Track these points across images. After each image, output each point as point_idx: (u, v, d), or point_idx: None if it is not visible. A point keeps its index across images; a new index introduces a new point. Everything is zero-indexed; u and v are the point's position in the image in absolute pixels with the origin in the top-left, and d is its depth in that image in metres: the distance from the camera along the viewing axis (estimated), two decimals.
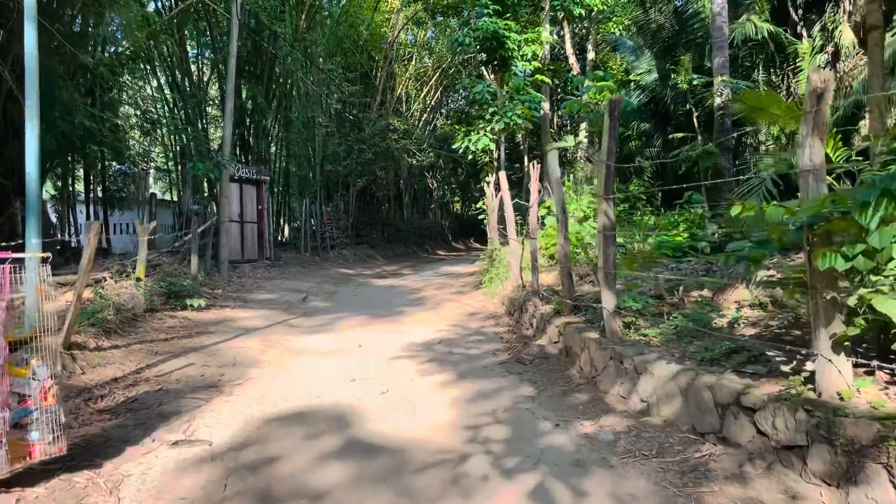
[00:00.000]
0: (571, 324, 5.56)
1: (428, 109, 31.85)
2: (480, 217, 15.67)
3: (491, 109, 13.69)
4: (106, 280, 9.24)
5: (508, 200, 9.20)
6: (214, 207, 14.52)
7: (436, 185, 36.25)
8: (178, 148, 17.72)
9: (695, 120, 12.68)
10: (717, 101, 12.27)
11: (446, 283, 13.58)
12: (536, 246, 7.62)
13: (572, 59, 24.16)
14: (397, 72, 28.71)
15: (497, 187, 14.39)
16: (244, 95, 19.19)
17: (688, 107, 12.93)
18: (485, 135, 13.82)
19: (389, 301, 11.40)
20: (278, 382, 5.48)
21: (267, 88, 19.77)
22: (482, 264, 15.82)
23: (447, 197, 41.89)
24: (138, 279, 7.68)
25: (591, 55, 24.56)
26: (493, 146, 14.01)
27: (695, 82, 12.25)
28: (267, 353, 6.77)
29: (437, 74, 30.25)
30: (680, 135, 12.87)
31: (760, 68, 14.71)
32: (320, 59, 20.46)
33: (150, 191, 14.96)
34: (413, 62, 29.78)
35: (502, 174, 9.28)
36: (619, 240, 9.77)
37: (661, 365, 3.81)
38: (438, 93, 32.12)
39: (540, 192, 7.83)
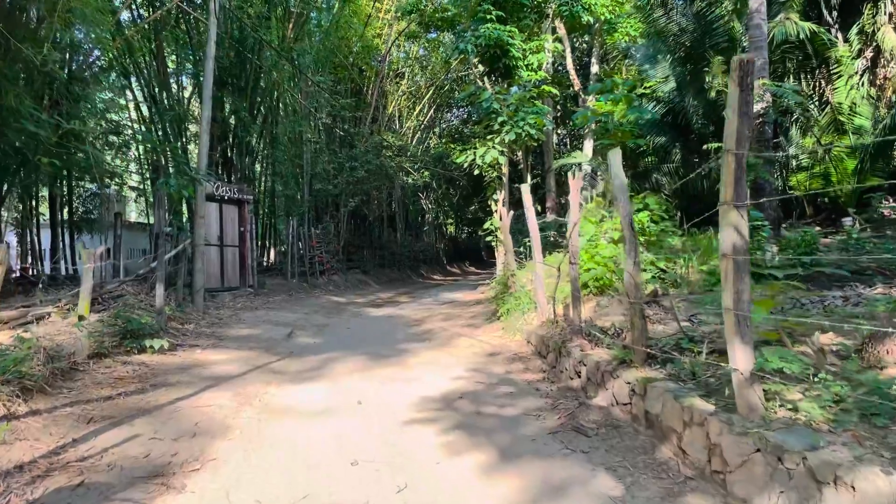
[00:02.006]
0: (653, 382, 4.07)
1: (421, 128, 30.59)
2: (488, 239, 14.22)
3: (500, 119, 12.31)
4: (50, 316, 7.67)
5: (533, 218, 7.75)
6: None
7: (430, 206, 34.85)
8: (148, 163, 16.23)
9: None
10: (757, 107, 10.98)
11: (452, 314, 12.05)
12: (577, 272, 6.15)
13: (573, 73, 23.00)
14: (389, 89, 27.48)
15: (513, 204, 13.00)
16: (226, 110, 17.77)
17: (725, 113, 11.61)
18: (493, 147, 12.42)
19: (389, 336, 9.86)
20: (251, 468, 3.93)
21: (251, 102, 18.39)
22: (489, 291, 14.35)
23: (440, 219, 40.49)
24: (81, 317, 6.11)
25: (594, 68, 23.36)
26: (502, 160, 12.60)
27: None
28: (240, 414, 5.21)
29: (430, 92, 29.10)
30: (715, 145, 11.52)
31: (791, 75, 13.48)
32: (309, 71, 19.08)
33: (115, 211, 13.33)
34: (406, 79, 28.58)
35: (525, 187, 7.83)
36: (661, 264, 8.38)
37: (873, 474, 2.32)
38: (432, 111, 30.94)
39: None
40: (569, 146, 30.77)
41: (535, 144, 14.52)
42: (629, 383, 4.37)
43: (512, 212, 11.07)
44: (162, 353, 7.19)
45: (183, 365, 6.88)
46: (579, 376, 5.54)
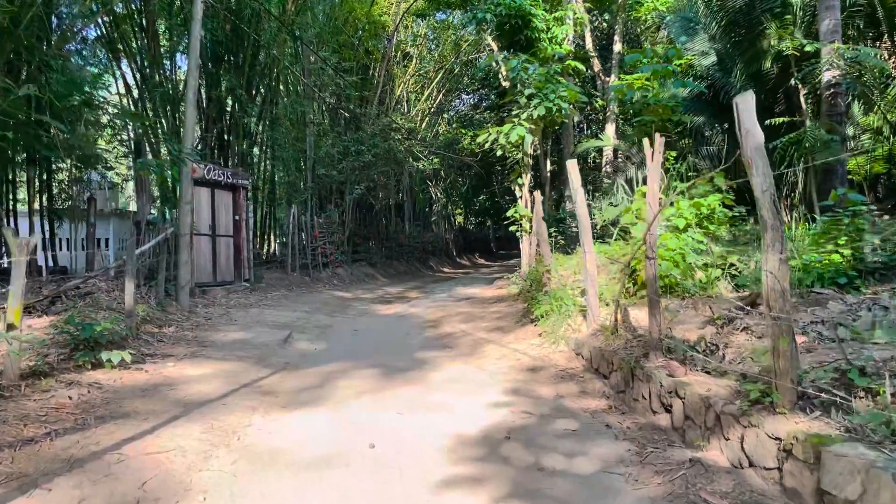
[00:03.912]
0: (829, 443, 2.63)
1: (430, 112, 29.03)
2: (512, 228, 12.74)
3: (527, 92, 10.81)
4: None
5: (583, 200, 6.29)
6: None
7: (439, 195, 33.35)
8: (128, 139, 14.84)
9: (802, 100, 9.82)
10: (827, 76, 9.50)
11: (473, 313, 10.60)
12: (656, 269, 4.69)
13: (592, 52, 21.47)
14: (396, 72, 25.98)
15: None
16: (222, 88, 16.33)
17: (793, 82, 10.08)
18: (520, 124, 10.92)
19: (403, 341, 8.45)
20: None
21: (249, 80, 16.93)
22: (510, 286, 12.92)
23: (449, 209, 38.97)
24: (10, 326, 4.70)
25: (617, 47, 21.77)
26: (529, 138, 11.09)
27: (806, 48, 9.44)
28: (209, 463, 3.79)
29: (439, 76, 27.60)
30: (780, 120, 9.99)
31: (851, 42, 11.94)
32: (312, 45, 17.58)
33: (89, 195, 11.90)
34: (414, 62, 27.06)
35: (572, 163, 6.38)
36: (734, 258, 6.94)
37: None
38: (441, 96, 29.41)
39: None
40: (585, 132, 29.18)
41: (566, 119, 13.04)
42: (778, 439, 2.93)
43: (542, 196, 9.61)
44: (124, 367, 5.76)
45: (147, 385, 5.46)
46: (669, 411, 4.10)
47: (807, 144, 8.55)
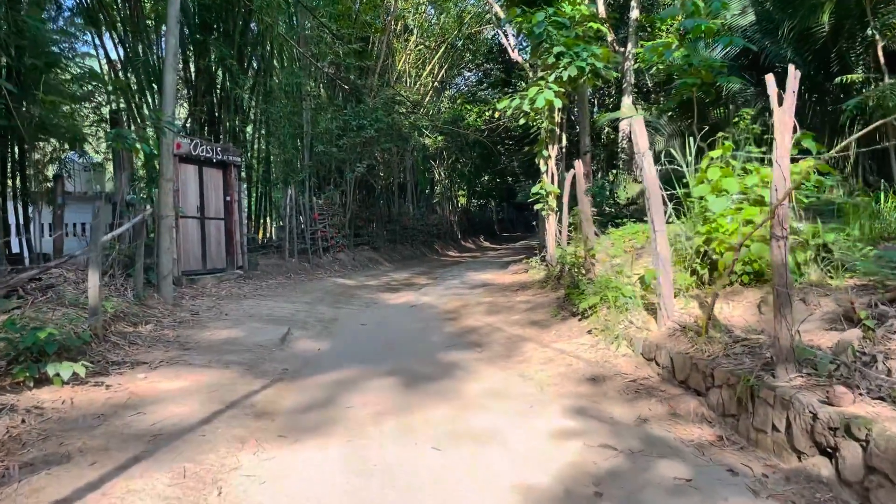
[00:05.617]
0: None
1: (431, 90, 27.61)
2: (537, 206, 11.44)
3: (556, 50, 9.47)
4: None
5: (651, 166, 5.02)
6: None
7: (442, 175, 31.98)
8: (105, 101, 13.50)
9: (880, 53, 8.50)
10: None
11: (496, 303, 9.33)
12: (785, 252, 3.45)
13: (602, 13, 20.03)
14: (397, 46, 24.53)
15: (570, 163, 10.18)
16: (211, 58, 14.96)
17: (870, 33, 8.77)
18: (548, 87, 9.57)
19: (421, 338, 7.23)
20: None
21: (240, 50, 15.59)
22: (533, 272, 11.70)
23: (452, 190, 37.53)
24: None
25: (634, 13, 20.36)
26: (557, 103, 9.72)
27: None
28: None
29: (441, 50, 26.19)
30: (853, 76, 8.68)
31: None
32: (308, 9, 16.18)
33: (56, 173, 10.61)
34: (414, 35, 25.61)
35: (638, 120, 5.10)
36: (829, 237, 5.69)
37: None
38: (443, 72, 27.99)
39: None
40: (596, 105, 27.68)
41: (599, 83, 11.71)
42: None
43: (581, 166, 8.33)
44: (78, 382, 4.54)
45: (106, 407, 4.22)
46: (830, 455, 2.87)
47: (890, 104, 7.27)
